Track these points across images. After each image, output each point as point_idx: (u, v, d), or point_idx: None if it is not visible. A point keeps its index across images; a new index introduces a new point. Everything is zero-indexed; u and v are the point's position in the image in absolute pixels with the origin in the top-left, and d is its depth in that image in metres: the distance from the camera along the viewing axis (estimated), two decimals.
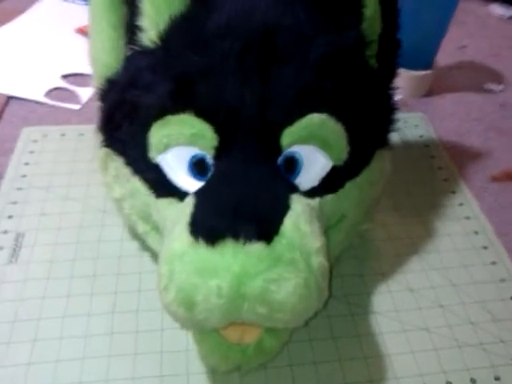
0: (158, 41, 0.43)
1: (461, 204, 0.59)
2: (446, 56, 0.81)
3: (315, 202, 0.42)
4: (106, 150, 0.48)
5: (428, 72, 0.75)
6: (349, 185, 0.45)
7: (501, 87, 0.79)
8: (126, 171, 0.45)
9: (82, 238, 0.54)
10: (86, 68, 0.80)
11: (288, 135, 0.41)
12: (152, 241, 0.47)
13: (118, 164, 0.46)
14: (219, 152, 0.41)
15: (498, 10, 0.99)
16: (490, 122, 0.72)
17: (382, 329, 0.47)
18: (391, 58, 0.51)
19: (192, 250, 0.36)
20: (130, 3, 0.45)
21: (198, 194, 0.40)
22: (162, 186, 0.43)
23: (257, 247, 0.35)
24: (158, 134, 0.42)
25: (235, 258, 0.35)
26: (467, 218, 0.58)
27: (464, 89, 0.78)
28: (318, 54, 0.42)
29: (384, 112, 0.49)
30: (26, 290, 0.49)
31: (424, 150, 0.66)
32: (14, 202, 0.58)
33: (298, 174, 0.42)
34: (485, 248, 0.55)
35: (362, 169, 0.46)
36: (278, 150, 0.41)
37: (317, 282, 0.36)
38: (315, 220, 0.40)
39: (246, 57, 0.40)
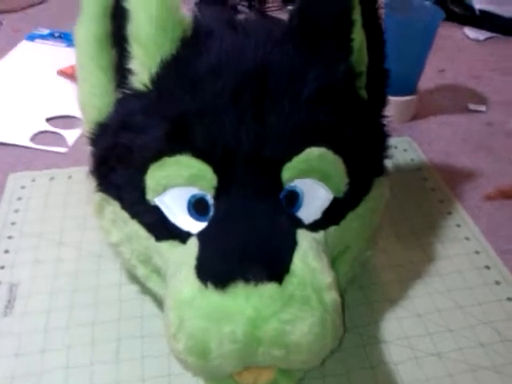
0: (149, 84, 0.42)
1: (458, 225, 0.59)
2: (426, 80, 0.82)
3: (320, 235, 0.42)
4: (101, 194, 0.47)
5: (412, 97, 0.76)
6: (350, 215, 0.45)
7: (484, 107, 0.80)
8: (123, 215, 0.45)
9: (79, 284, 0.53)
10: (70, 110, 0.80)
11: (288, 170, 0.41)
12: (153, 284, 0.46)
13: (114, 208, 0.45)
14: (219, 191, 0.40)
15: (472, 33, 1.02)
16: (477, 142, 0.73)
17: (394, 358, 0.46)
18: (380, 87, 0.51)
19: (201, 295, 0.35)
20: (119, 46, 0.45)
21: (202, 235, 0.40)
22: (162, 229, 0.42)
23: (269, 288, 0.34)
24: (155, 176, 0.41)
25: (248, 300, 0.34)
26: (467, 238, 0.58)
27: (448, 111, 0.80)
28: (311, 89, 0.42)
29: (378, 140, 0.50)
30: (23, 344, 0.47)
31: (416, 173, 0.67)
32: (6, 251, 0.56)
33: (299, 207, 0.42)
34: (487, 268, 0.55)
35: (362, 198, 0.46)
36: (280, 185, 0.41)
37: (332, 318, 0.36)
38: (322, 254, 0.39)
39: (239, 95, 0.41)
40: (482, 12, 1.01)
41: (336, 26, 0.43)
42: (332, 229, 0.43)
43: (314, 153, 0.41)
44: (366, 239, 0.48)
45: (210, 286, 0.35)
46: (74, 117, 0.76)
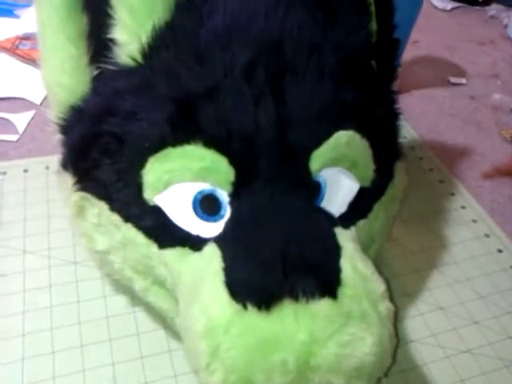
0: (140, 57, 0.35)
1: (463, 207, 0.56)
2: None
3: (353, 232, 0.36)
4: (81, 193, 0.39)
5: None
6: (376, 206, 0.40)
7: (465, 80, 0.78)
8: (113, 218, 0.37)
9: (56, 299, 0.44)
10: (16, 91, 0.69)
11: (317, 159, 0.35)
12: (155, 298, 0.39)
13: (100, 210, 0.38)
14: (238, 187, 0.34)
15: (439, 3, 0.99)
16: (465, 117, 0.70)
17: (424, 358, 0.42)
18: (389, 59, 0.46)
19: (240, 318, 0.29)
20: (95, 11, 0.37)
21: (222, 241, 0.33)
22: (166, 233, 0.35)
23: (323, 305, 0.29)
24: (155, 170, 0.34)
25: (299, 322, 0.28)
26: (474, 221, 0.55)
27: (429, 84, 0.76)
28: (334, 61, 0.36)
29: (393, 119, 0.45)
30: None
31: (411, 153, 0.63)
32: None
33: (321, 199, 0.36)
34: (499, 251, 0.52)
35: (387, 186, 0.41)
36: (309, 177, 0.35)
37: (389, 332, 0.31)
38: (364, 255, 0.34)
39: (254, 70, 0.34)
40: None
41: None
42: (361, 223, 0.38)
43: (343, 137, 0.35)
44: (388, 232, 0.44)
45: (250, 307, 0.29)
46: (21, 98, 0.66)
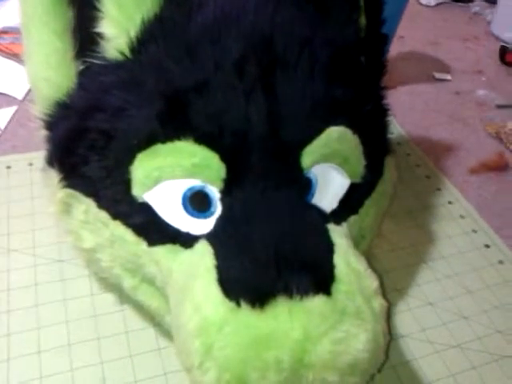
0: (128, 51, 0.34)
1: (450, 202, 0.57)
2: None
3: (344, 228, 0.36)
4: (67, 190, 0.38)
5: None
6: (367, 202, 0.39)
7: (449, 76, 0.78)
8: (100, 215, 0.36)
9: (42, 298, 0.43)
10: None
11: (309, 155, 0.34)
12: (144, 297, 0.38)
13: (87, 207, 0.37)
14: (229, 183, 0.33)
15: None
16: (450, 113, 0.71)
17: (415, 354, 0.42)
18: (378, 54, 0.46)
19: (233, 316, 0.28)
20: (81, 5, 0.36)
21: (214, 238, 0.33)
22: (155, 231, 0.34)
23: (318, 302, 0.29)
24: (145, 166, 0.33)
25: (293, 320, 0.28)
26: (461, 216, 0.55)
27: (414, 80, 0.77)
28: (325, 56, 0.36)
29: (382, 115, 0.45)
30: None
31: (398, 149, 0.63)
32: None
33: (312, 196, 0.36)
34: (487, 246, 0.52)
35: (378, 182, 0.41)
36: (301, 173, 0.35)
37: (382, 328, 0.31)
38: (357, 251, 0.34)
39: (245, 65, 0.33)
40: None
41: None
42: (352, 219, 0.37)
43: (334, 133, 0.35)
44: (378, 228, 0.44)
45: (243, 304, 0.28)
46: (2, 94, 0.64)
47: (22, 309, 0.42)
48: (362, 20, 0.41)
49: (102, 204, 0.36)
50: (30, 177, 0.55)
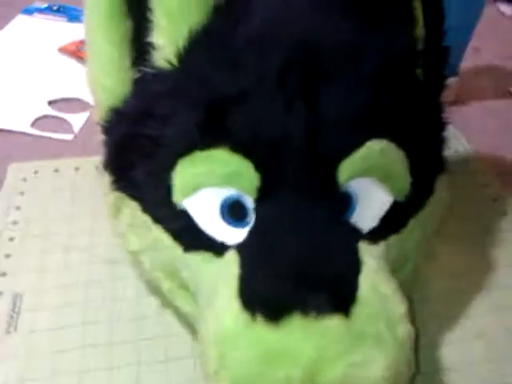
0: (176, 61, 0.35)
1: None
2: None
3: (381, 247, 0.35)
4: (117, 193, 0.40)
5: (454, 79, 0.69)
6: (412, 222, 0.38)
7: None
8: (145, 219, 0.38)
9: (92, 296, 0.46)
10: (74, 92, 0.72)
11: (346, 169, 0.34)
12: (181, 302, 0.39)
13: (133, 210, 0.39)
14: (263, 194, 0.33)
15: (507, 9, 0.94)
16: None
17: None
18: (438, 68, 0.44)
19: (248, 329, 0.29)
20: (137, 16, 0.38)
21: (242, 248, 0.33)
22: (191, 238, 0.35)
23: (334, 322, 0.28)
24: (184, 173, 0.34)
25: (307, 338, 0.28)
26: None
27: (489, 96, 0.73)
28: (373, 67, 0.35)
29: (437, 130, 0.43)
30: (29, 368, 0.41)
31: (464, 167, 0.60)
32: (7, 256, 0.49)
33: (352, 212, 0.35)
34: None
35: (425, 201, 0.39)
36: (336, 187, 0.34)
37: (406, 357, 0.29)
38: (389, 274, 0.33)
39: (287, 77, 0.33)
40: None
41: None
42: (392, 239, 0.36)
43: (375, 147, 0.34)
44: (425, 251, 0.42)
45: (259, 318, 0.28)
46: (79, 99, 0.69)
47: (72, 304, 0.45)
48: (419, 32, 0.40)
49: (145, 208, 0.37)
50: (95, 179, 0.58)
